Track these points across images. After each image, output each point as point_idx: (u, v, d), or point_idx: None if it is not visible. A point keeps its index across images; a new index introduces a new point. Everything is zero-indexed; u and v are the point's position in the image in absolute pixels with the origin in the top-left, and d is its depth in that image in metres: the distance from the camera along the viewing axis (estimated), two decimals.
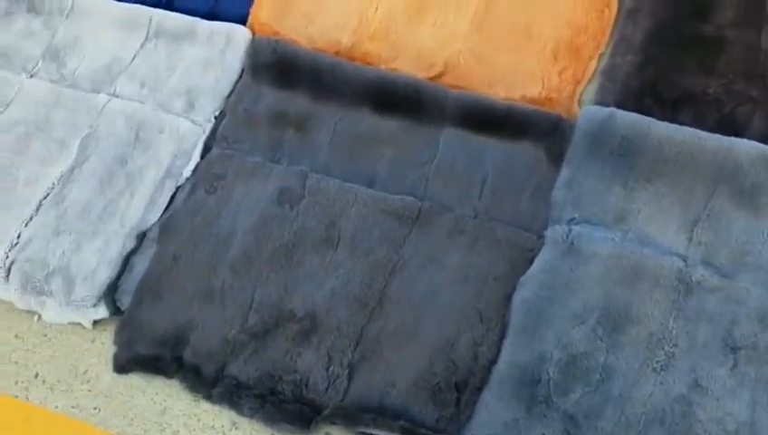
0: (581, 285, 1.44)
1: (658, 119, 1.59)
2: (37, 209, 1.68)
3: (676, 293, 1.42)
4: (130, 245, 1.63)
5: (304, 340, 1.48)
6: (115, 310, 1.59)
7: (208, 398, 1.47)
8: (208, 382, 1.47)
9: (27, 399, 1.53)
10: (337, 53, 1.83)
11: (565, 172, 1.57)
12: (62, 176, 1.71)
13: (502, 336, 1.44)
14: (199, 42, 1.86)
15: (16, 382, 1.55)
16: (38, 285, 1.59)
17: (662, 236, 1.50)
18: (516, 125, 1.65)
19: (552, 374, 1.37)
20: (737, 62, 1.69)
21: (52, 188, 1.70)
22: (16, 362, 1.58)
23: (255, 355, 1.48)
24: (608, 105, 1.64)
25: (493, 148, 1.65)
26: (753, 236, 1.47)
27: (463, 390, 1.41)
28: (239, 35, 1.85)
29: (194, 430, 1.47)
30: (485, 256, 1.52)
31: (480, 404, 1.37)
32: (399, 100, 1.71)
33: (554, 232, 1.51)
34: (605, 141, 1.57)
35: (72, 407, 1.52)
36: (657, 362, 1.37)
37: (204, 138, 1.75)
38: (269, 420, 1.43)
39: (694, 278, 1.43)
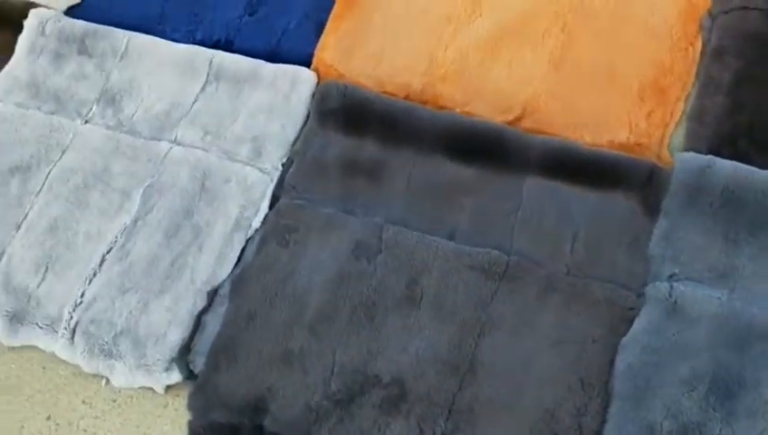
0: (689, 349, 1.36)
1: (755, 163, 1.51)
2: (100, 265, 1.60)
3: None
4: (201, 302, 1.55)
5: (392, 408, 1.40)
6: (188, 373, 1.51)
7: None
8: None
9: None
10: (407, 96, 1.74)
11: (663, 225, 1.48)
12: (125, 229, 1.64)
13: (605, 404, 1.35)
14: (263, 85, 1.78)
15: None
16: (106, 347, 1.51)
17: None
18: (607, 174, 1.55)
19: None
20: None
21: (115, 241, 1.62)
22: (85, 431, 1.50)
23: (341, 424, 1.40)
24: (699, 150, 1.56)
25: (582, 198, 1.56)
26: None
27: None
28: (304, 78, 1.77)
29: None
30: (582, 317, 1.43)
31: None
32: (479, 146, 1.62)
33: (656, 290, 1.42)
34: (704, 192, 1.48)
35: None
36: None
37: (272, 187, 1.68)
38: None
39: None
